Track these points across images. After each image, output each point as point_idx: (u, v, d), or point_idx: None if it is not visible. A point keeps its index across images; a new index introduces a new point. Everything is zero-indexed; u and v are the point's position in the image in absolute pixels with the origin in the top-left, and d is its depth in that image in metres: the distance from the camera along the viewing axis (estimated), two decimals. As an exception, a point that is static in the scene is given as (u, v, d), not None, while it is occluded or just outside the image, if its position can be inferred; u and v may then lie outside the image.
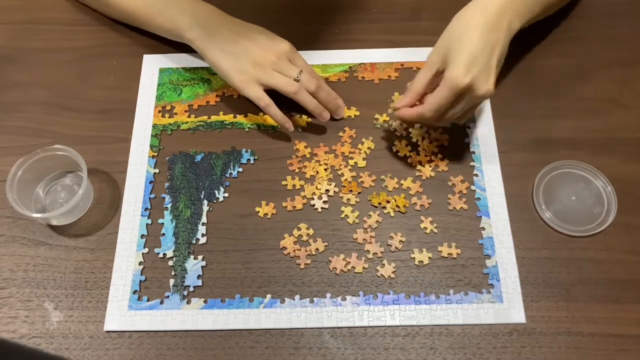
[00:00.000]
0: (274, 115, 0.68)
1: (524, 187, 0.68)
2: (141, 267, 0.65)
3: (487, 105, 0.73)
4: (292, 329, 0.61)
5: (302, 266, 0.64)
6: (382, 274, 0.64)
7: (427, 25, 0.78)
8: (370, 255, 0.65)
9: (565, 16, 0.78)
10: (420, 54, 0.76)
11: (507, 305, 0.62)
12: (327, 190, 0.68)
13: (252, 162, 0.70)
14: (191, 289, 0.63)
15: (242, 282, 0.64)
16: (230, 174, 0.70)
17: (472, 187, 0.68)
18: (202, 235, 0.66)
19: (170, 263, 0.65)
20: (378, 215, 0.67)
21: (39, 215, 0.64)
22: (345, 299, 0.63)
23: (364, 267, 0.64)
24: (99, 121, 0.73)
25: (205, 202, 0.68)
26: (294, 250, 0.65)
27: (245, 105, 0.72)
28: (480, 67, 0.60)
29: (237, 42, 0.69)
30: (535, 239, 0.65)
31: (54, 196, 0.69)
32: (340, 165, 0.70)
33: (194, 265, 0.65)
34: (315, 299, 0.63)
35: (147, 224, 0.67)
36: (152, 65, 0.77)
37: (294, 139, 0.72)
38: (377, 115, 0.73)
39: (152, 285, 0.64)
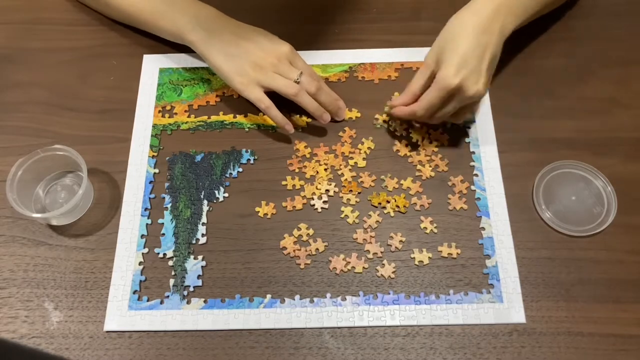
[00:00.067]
0: (274, 117, 0.68)
1: (524, 187, 0.68)
2: (141, 267, 0.65)
3: (487, 105, 0.73)
4: (292, 329, 0.61)
5: (302, 266, 0.64)
6: (382, 274, 0.64)
7: (427, 25, 0.78)
8: (370, 255, 0.65)
9: (565, 16, 0.78)
10: (420, 54, 0.76)
11: (507, 305, 0.62)
12: (327, 190, 0.68)
13: (252, 162, 0.70)
14: (191, 289, 0.63)
15: (242, 282, 0.64)
16: (230, 174, 0.70)
17: (472, 187, 0.68)
18: (202, 235, 0.66)
19: (170, 263, 0.65)
20: (378, 215, 0.67)
21: (39, 215, 0.64)
22: (345, 299, 0.63)
23: (364, 267, 0.64)
24: (99, 121, 0.73)
25: (205, 202, 0.68)
26: (294, 250, 0.65)
27: (245, 105, 0.72)
28: (471, 69, 0.62)
29: (238, 44, 0.69)
30: (535, 239, 0.65)
31: (54, 196, 0.69)
32: (340, 165, 0.70)
33: (194, 265, 0.65)
34: (315, 299, 0.63)
35: (147, 224, 0.67)
36: (152, 65, 0.77)
37: (294, 139, 0.72)
38: (377, 115, 0.73)
39: (152, 285, 0.64)
